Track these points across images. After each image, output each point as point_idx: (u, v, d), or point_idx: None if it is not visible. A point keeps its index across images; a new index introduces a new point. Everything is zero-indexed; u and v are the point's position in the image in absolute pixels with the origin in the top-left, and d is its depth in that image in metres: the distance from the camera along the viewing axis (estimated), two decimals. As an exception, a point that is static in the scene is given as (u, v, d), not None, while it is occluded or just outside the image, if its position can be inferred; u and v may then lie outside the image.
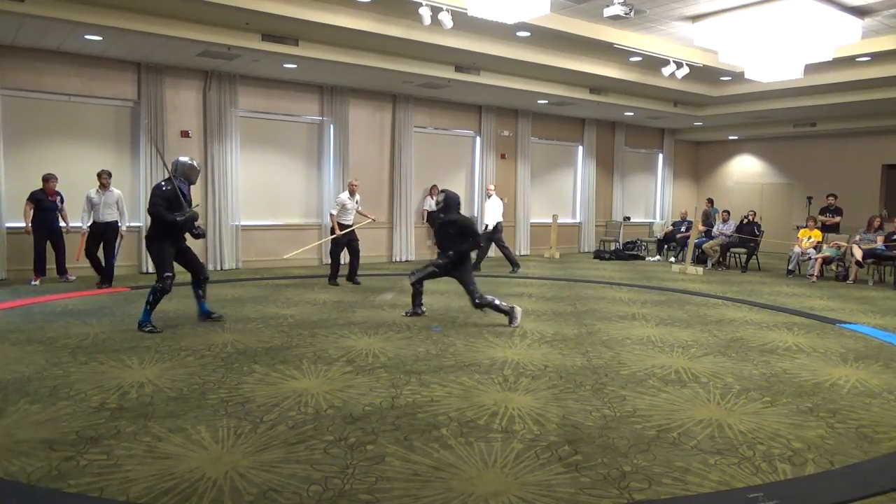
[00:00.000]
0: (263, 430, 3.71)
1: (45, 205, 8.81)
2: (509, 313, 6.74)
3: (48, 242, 8.97)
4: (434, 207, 13.11)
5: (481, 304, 6.69)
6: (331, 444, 3.51)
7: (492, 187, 12.13)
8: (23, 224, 8.87)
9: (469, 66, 10.84)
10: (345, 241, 9.37)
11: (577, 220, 16.29)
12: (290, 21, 8.24)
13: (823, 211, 12.82)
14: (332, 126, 12.04)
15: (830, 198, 12.90)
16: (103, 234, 8.74)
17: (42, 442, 3.44)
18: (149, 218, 6.32)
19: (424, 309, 7.27)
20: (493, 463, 3.33)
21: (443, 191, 7.13)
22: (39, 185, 8.84)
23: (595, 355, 5.59)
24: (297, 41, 9.21)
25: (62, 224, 9.07)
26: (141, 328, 6.12)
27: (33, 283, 8.85)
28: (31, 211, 8.77)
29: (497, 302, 6.73)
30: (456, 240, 6.77)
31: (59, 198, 8.99)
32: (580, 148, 16.12)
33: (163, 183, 6.31)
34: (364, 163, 12.50)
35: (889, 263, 10.94)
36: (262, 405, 4.13)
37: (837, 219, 12.56)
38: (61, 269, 9.16)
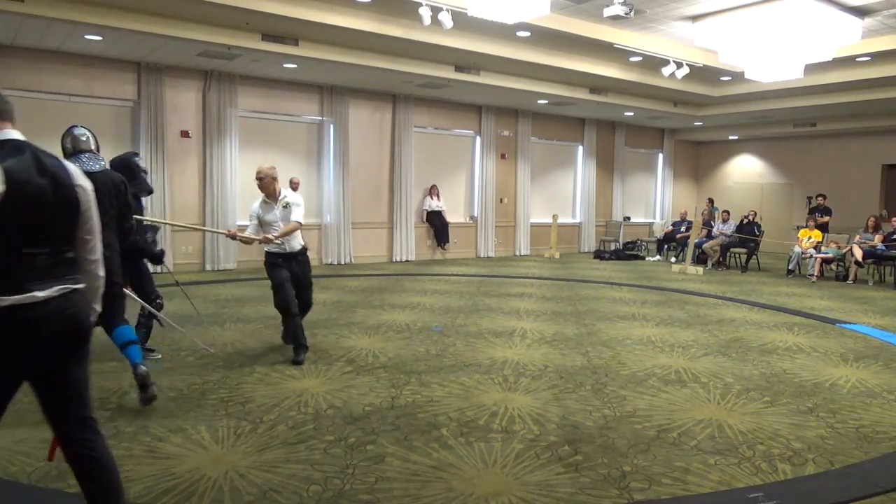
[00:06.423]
0: (263, 430, 3.71)
1: None
2: None
3: None
4: (434, 207, 13.27)
5: None
6: (331, 444, 3.51)
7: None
8: None
9: (469, 66, 10.83)
10: None
11: (577, 220, 16.26)
12: (290, 21, 8.23)
13: (813, 211, 12.95)
14: (332, 126, 12.03)
15: (820, 197, 13.18)
16: None
17: (42, 442, 3.43)
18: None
19: None
20: (493, 463, 3.33)
21: None
22: None
23: (595, 355, 5.59)
24: (297, 41, 9.20)
25: None
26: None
27: None
28: None
29: None
30: None
31: None
32: (580, 148, 16.11)
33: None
34: (364, 163, 12.50)
35: (889, 263, 10.95)
36: (262, 405, 4.13)
37: (826, 218, 12.70)
38: None
